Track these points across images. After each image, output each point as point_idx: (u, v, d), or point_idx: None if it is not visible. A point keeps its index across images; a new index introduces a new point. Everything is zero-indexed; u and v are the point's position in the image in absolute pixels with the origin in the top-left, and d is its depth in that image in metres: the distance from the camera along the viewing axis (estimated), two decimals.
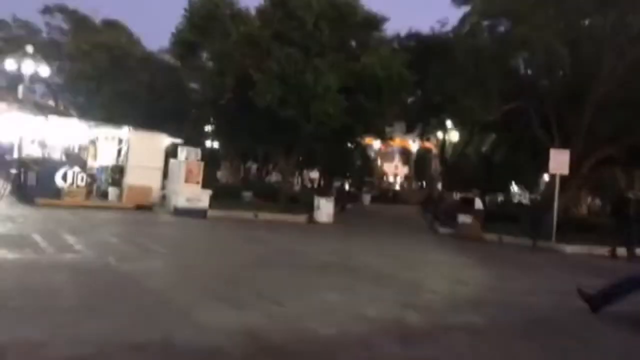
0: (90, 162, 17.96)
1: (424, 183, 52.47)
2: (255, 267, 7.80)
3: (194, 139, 23.85)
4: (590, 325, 5.95)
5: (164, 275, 6.71)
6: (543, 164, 29.44)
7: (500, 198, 36.66)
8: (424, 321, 5.39)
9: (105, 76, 24.68)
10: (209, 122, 27.65)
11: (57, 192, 15.02)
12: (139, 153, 16.21)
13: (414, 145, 46.77)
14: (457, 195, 34.39)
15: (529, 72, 21.59)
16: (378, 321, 5.21)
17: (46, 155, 17.52)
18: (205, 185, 16.33)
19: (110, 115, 21.35)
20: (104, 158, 17.86)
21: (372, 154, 46.38)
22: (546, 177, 38.58)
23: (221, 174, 31.27)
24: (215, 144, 31.50)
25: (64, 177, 15.52)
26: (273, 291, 6.12)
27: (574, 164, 16.35)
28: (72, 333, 4.07)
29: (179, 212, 14.89)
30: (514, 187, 45.59)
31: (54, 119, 18.44)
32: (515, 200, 44.26)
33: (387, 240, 13.89)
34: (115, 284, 5.93)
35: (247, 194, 20.81)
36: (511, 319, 5.89)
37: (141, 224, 12.72)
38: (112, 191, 16.27)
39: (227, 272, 7.17)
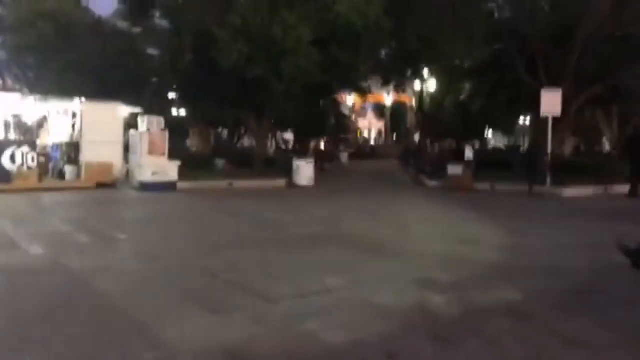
0: (44, 140, 16.30)
1: (399, 137, 51.59)
2: (234, 248, 6.60)
3: (156, 107, 22.11)
4: None
5: (121, 272, 5.45)
6: (520, 108, 28.83)
7: (476, 146, 36.08)
8: (451, 305, 4.31)
9: (51, 47, 22.51)
10: (171, 89, 25.79)
11: (5, 176, 13.43)
12: (94, 126, 14.62)
13: (388, 99, 45.50)
14: (436, 147, 33.65)
15: (509, 13, 20.43)
16: (395, 312, 4.10)
17: None
18: (172, 156, 14.89)
19: (61, 88, 19.52)
20: (57, 134, 16.18)
21: (346, 111, 44.94)
22: (522, 121, 38.19)
23: (190, 143, 29.62)
24: (182, 112, 29.69)
25: (12, 158, 13.91)
26: (259, 280, 4.95)
27: (563, 106, 15.51)
28: None
29: (145, 187, 13.49)
30: (489, 134, 45.15)
31: None
32: (490, 146, 43.88)
33: (375, 200, 12.81)
34: (60, 291, 4.66)
35: (220, 162, 19.36)
36: (549, 289, 4.86)
37: (101, 204, 11.31)
38: (69, 170, 14.72)
39: (200, 259, 5.96)
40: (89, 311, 4.10)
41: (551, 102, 15.08)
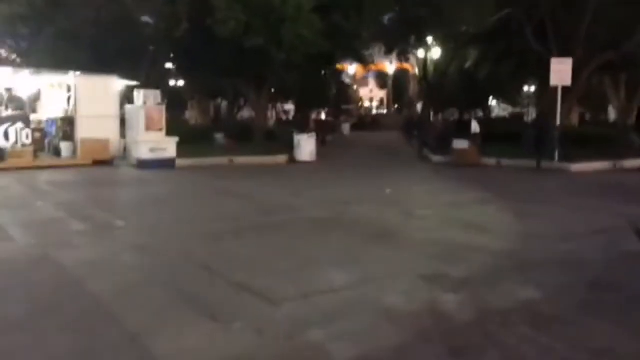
0: (39, 115, 15.91)
1: (401, 106, 50.82)
2: (235, 238, 6.30)
3: (153, 78, 21.57)
4: None
5: (115, 268, 5.14)
6: (527, 76, 28.06)
7: (479, 114, 35.47)
8: (464, 306, 4.03)
9: (44, 16, 21.83)
10: (168, 59, 25.14)
11: None
12: (89, 100, 14.19)
13: (390, 68, 44.59)
14: (439, 117, 33.06)
15: None
16: (406, 316, 3.83)
17: None
18: (171, 130, 14.51)
19: (55, 58, 18.98)
20: (52, 109, 15.76)
21: (347, 80, 44.12)
22: (527, 89, 37.40)
23: (189, 115, 29.13)
24: (181, 83, 29.09)
25: (6, 136, 13.55)
26: (259, 277, 4.68)
27: (573, 73, 14.95)
28: None
29: (143, 164, 13.17)
30: (493, 102, 44.44)
31: None
32: (494, 115, 43.24)
33: (379, 178, 12.47)
34: (47, 291, 4.40)
35: (219, 136, 18.99)
36: (566, 285, 4.58)
37: (97, 184, 11.01)
38: (64, 147, 14.38)
39: (199, 252, 5.68)
40: (76, 317, 3.83)
41: (561, 71, 14.55)
